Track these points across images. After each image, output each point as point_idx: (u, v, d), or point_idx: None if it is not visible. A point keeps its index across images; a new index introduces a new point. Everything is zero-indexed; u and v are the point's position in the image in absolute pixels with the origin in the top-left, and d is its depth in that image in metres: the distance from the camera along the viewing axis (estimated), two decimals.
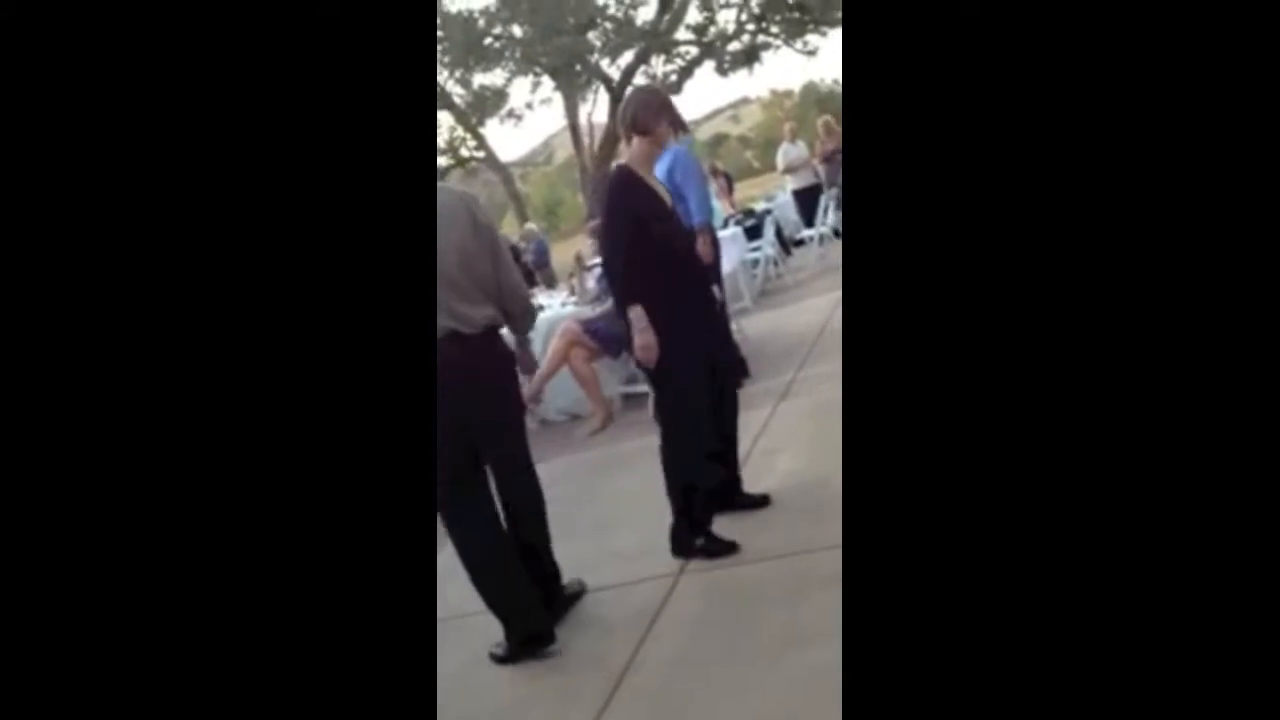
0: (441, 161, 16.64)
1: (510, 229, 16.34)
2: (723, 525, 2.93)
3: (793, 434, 3.65)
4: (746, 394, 4.44)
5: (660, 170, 4.69)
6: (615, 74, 17.24)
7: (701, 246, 4.54)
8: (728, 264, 5.83)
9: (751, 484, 3.21)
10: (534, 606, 2.35)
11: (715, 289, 3.09)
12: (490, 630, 2.70)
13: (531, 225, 14.57)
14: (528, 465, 2.56)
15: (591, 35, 16.39)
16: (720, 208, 8.05)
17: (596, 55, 16.77)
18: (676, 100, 3.00)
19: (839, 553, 2.35)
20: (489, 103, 17.63)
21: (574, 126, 18.25)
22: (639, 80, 17.28)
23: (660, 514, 3.19)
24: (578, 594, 2.69)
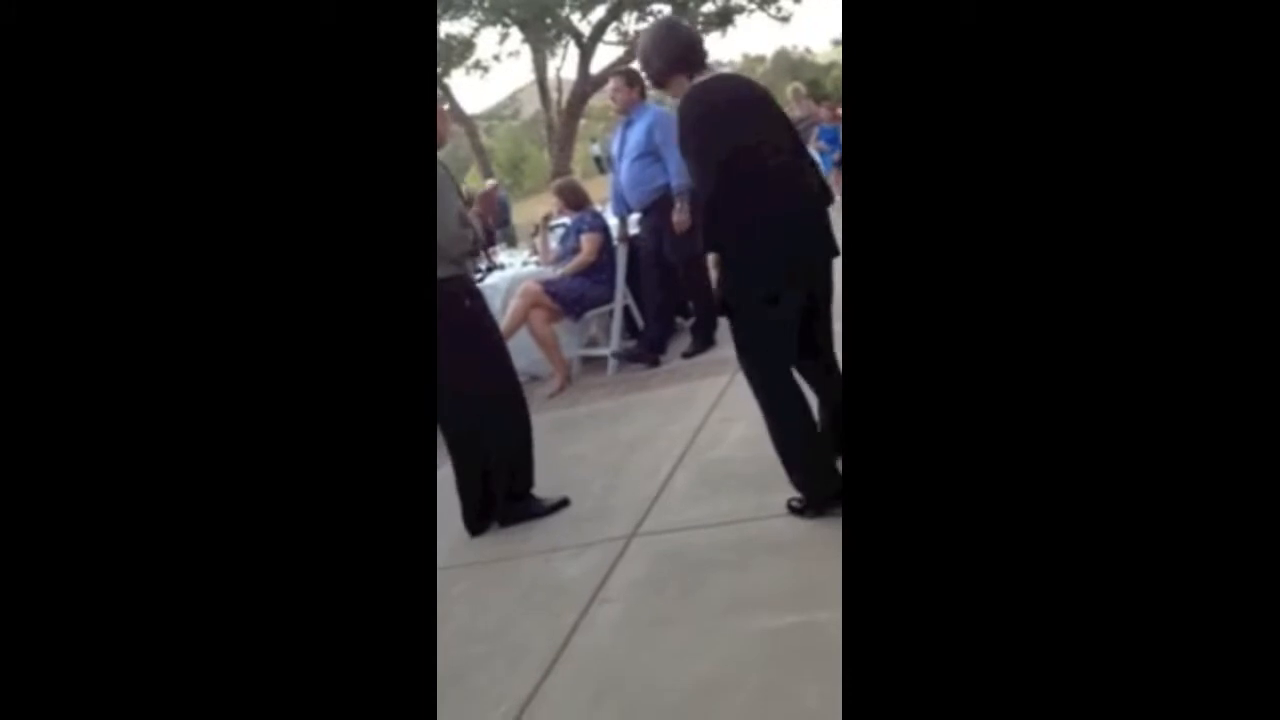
0: None
1: (475, 184, 16.10)
2: (676, 496, 2.97)
3: (749, 402, 3.68)
4: (706, 361, 4.47)
5: (639, 130, 4.64)
6: (585, 29, 16.95)
7: (679, 213, 4.53)
8: None
9: (705, 451, 3.25)
10: (474, 504, 3.10)
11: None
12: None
13: (492, 181, 14.34)
14: (496, 399, 3.00)
15: None
16: None
17: (567, 9, 16.47)
18: None
19: (786, 520, 2.42)
20: (455, 52, 17.25)
21: (542, 81, 17.95)
22: (610, 36, 17.05)
23: (614, 477, 3.21)
24: (550, 507, 3.05)
